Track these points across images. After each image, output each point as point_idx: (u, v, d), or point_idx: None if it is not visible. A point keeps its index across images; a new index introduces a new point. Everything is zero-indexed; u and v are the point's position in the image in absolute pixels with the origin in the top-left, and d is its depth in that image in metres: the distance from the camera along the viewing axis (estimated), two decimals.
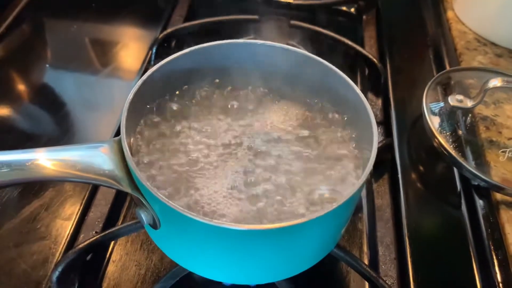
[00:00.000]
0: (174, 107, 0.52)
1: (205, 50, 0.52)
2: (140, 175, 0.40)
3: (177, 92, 0.53)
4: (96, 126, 0.73)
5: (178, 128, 0.50)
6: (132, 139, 0.48)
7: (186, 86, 0.53)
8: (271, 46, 0.53)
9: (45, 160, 0.40)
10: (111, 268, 0.55)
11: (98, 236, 0.53)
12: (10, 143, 0.67)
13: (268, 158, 0.48)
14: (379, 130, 0.70)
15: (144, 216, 0.42)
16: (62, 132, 0.71)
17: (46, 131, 0.71)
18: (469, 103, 0.64)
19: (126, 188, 0.41)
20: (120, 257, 0.56)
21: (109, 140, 0.44)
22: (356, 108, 0.48)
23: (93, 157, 0.42)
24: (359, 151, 0.49)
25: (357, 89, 0.47)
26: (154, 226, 0.43)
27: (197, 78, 0.54)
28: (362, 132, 0.48)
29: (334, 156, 0.49)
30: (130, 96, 0.46)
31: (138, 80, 0.47)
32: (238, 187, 0.46)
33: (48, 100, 0.75)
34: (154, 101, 0.51)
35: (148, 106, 0.51)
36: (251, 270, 0.44)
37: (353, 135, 0.51)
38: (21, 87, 0.78)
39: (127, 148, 0.41)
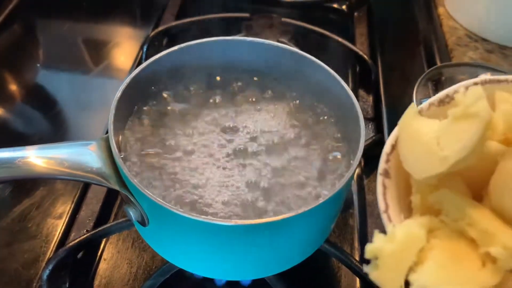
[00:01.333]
0: (163, 105, 0.52)
1: (194, 47, 0.52)
2: (127, 173, 0.40)
3: (166, 90, 0.53)
4: (87, 125, 0.73)
5: (166, 125, 0.50)
6: (120, 137, 0.48)
7: (175, 84, 0.53)
8: (260, 43, 0.53)
9: (35, 157, 0.41)
10: (102, 266, 0.55)
11: (88, 234, 0.53)
12: (1, 143, 0.67)
13: (259, 154, 0.48)
14: (370, 126, 0.70)
15: (132, 213, 0.43)
16: (54, 131, 0.71)
17: (37, 130, 0.71)
18: None
19: (114, 185, 0.41)
20: (111, 255, 0.56)
21: (97, 138, 0.44)
22: (345, 104, 0.48)
23: (82, 155, 0.42)
24: (350, 148, 0.49)
25: (344, 84, 0.47)
26: (143, 223, 0.43)
27: (187, 76, 0.54)
28: (352, 128, 0.48)
29: (325, 154, 0.49)
30: (118, 94, 0.46)
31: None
32: (229, 182, 0.46)
33: (40, 100, 0.75)
34: (143, 99, 0.51)
35: (136, 104, 0.51)
36: (240, 266, 0.45)
37: (344, 133, 0.51)
38: (13, 87, 0.78)
39: (115, 146, 0.41)
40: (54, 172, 0.40)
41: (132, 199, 0.42)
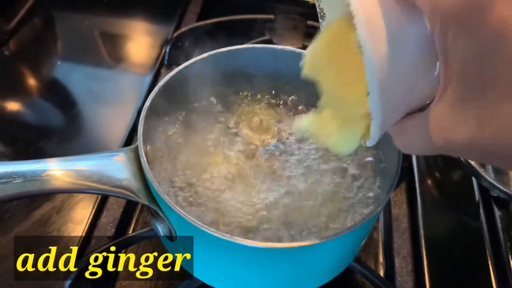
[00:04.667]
0: (192, 114, 0.50)
1: (223, 54, 0.51)
2: (157, 188, 0.39)
3: (195, 99, 0.52)
4: (108, 123, 0.72)
5: (195, 136, 0.49)
6: (148, 147, 0.46)
7: (205, 93, 0.52)
8: (289, 52, 0.52)
9: (58, 170, 0.39)
10: (123, 274, 0.54)
11: (110, 243, 0.52)
12: (24, 140, 0.67)
13: (291, 168, 0.47)
14: None
15: (160, 228, 0.42)
16: (74, 128, 0.70)
17: (58, 127, 0.70)
18: None
19: (143, 200, 0.40)
20: (132, 263, 0.55)
21: (124, 149, 0.43)
22: None
23: (108, 166, 0.41)
24: (380, 161, 0.48)
25: None
26: (170, 238, 0.42)
27: (218, 84, 0.53)
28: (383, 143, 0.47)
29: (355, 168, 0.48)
30: (148, 103, 0.45)
31: (151, 80, 0.46)
32: (261, 198, 0.45)
33: (60, 95, 0.75)
34: (171, 107, 0.50)
35: (165, 113, 0.50)
36: (268, 285, 0.44)
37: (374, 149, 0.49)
38: (33, 82, 0.78)
39: (144, 158, 0.40)
40: (79, 186, 0.39)
41: (161, 214, 0.40)
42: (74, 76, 0.78)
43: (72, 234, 0.56)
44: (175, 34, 0.77)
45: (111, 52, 0.82)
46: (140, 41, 0.84)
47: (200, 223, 0.37)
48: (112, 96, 0.76)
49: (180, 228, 0.40)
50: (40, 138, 0.68)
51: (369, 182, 0.47)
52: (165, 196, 0.38)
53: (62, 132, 0.70)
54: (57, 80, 0.78)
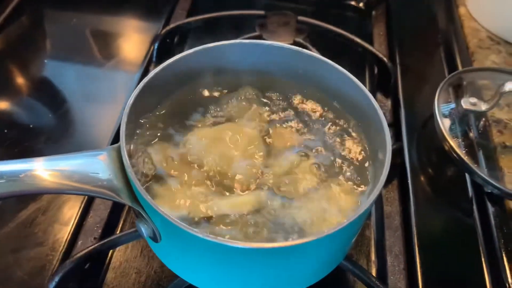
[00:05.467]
0: (177, 111, 0.49)
1: (209, 50, 0.50)
2: (140, 187, 0.38)
3: (180, 95, 0.51)
4: (97, 121, 0.71)
5: (182, 133, 0.48)
6: (132, 146, 0.45)
7: (189, 88, 0.51)
8: (278, 47, 0.51)
9: (43, 170, 0.38)
10: (110, 275, 0.53)
11: (96, 244, 0.51)
12: (11, 139, 0.66)
13: (279, 164, 0.46)
14: None
15: (144, 229, 0.41)
16: (63, 127, 0.69)
17: (46, 126, 0.69)
18: (483, 107, 0.62)
19: (126, 200, 0.39)
20: (119, 264, 0.54)
21: (107, 148, 0.41)
22: (367, 114, 0.46)
23: (91, 165, 0.40)
24: (370, 156, 0.47)
25: (371, 97, 0.45)
26: (155, 239, 0.41)
27: (202, 79, 0.52)
28: (373, 137, 0.46)
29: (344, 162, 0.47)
30: (131, 100, 0.43)
31: (139, 77, 0.45)
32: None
33: (48, 94, 0.73)
34: (156, 104, 0.49)
35: (149, 110, 0.49)
36: (257, 286, 0.43)
37: (364, 141, 0.49)
38: (21, 80, 0.76)
39: (127, 157, 0.39)
40: (62, 186, 0.38)
41: (144, 215, 0.39)
42: (63, 74, 0.76)
43: (58, 236, 0.55)
44: (164, 31, 0.76)
45: (100, 50, 0.81)
46: (130, 39, 0.83)
47: (184, 224, 0.36)
48: (101, 94, 0.75)
49: (163, 229, 0.39)
50: (28, 137, 0.66)
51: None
52: (148, 196, 0.37)
53: (50, 131, 0.68)
54: (45, 79, 0.76)
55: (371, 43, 0.78)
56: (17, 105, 0.72)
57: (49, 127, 0.69)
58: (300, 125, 0.50)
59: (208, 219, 0.42)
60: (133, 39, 0.83)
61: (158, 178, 0.44)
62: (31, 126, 0.68)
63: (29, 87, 0.75)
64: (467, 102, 0.62)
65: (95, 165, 0.40)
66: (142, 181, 0.43)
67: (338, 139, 0.49)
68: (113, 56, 0.79)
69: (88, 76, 0.77)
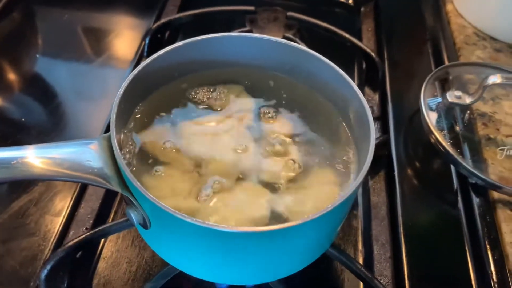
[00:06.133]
0: (167, 102, 0.50)
1: (198, 43, 0.51)
2: (129, 174, 0.38)
3: (169, 87, 0.51)
4: (88, 116, 0.71)
5: (171, 124, 0.49)
6: (122, 136, 0.46)
7: (179, 81, 0.52)
8: (267, 40, 0.51)
9: (34, 158, 0.39)
10: (101, 265, 0.54)
11: (88, 233, 0.51)
12: (2, 133, 0.67)
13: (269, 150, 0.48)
14: (376, 126, 0.69)
15: (134, 216, 0.41)
16: (54, 122, 0.70)
17: (37, 121, 0.70)
18: (467, 100, 0.63)
19: (116, 187, 0.40)
20: (111, 254, 0.55)
21: (98, 137, 0.42)
22: (354, 106, 0.47)
23: (82, 154, 0.41)
24: (356, 148, 0.48)
25: (357, 89, 0.46)
26: (145, 226, 0.42)
27: (191, 72, 0.53)
28: (359, 129, 0.47)
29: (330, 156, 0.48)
30: (121, 91, 0.44)
31: (131, 72, 0.45)
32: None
33: (40, 90, 0.74)
34: (146, 95, 0.50)
35: (139, 102, 0.49)
36: (244, 271, 0.44)
37: (350, 133, 0.50)
38: (12, 76, 0.77)
39: (117, 146, 0.40)
40: (53, 173, 0.39)
41: (134, 202, 0.40)
42: (54, 70, 0.77)
43: (50, 226, 0.55)
44: (154, 26, 0.76)
45: (91, 46, 0.81)
46: (121, 35, 0.84)
47: (173, 209, 0.37)
48: (93, 90, 0.75)
49: (153, 216, 0.40)
50: (19, 132, 0.67)
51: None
52: (137, 183, 0.38)
53: (42, 125, 0.69)
54: (36, 74, 0.77)
55: (359, 38, 0.79)
56: (9, 100, 0.72)
57: (41, 122, 0.70)
58: (288, 117, 0.51)
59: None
60: (124, 35, 0.84)
61: (148, 167, 0.45)
62: (22, 119, 0.69)
63: (20, 82, 0.75)
64: (452, 96, 0.63)
65: (86, 154, 0.41)
66: (132, 170, 0.44)
67: (324, 131, 0.50)
68: (105, 52, 0.80)
69: (80, 72, 0.77)
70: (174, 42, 0.78)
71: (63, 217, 0.56)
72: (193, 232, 0.38)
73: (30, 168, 0.38)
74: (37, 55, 0.79)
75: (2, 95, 0.73)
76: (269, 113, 0.52)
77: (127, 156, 0.45)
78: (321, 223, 0.39)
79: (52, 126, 0.69)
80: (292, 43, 0.51)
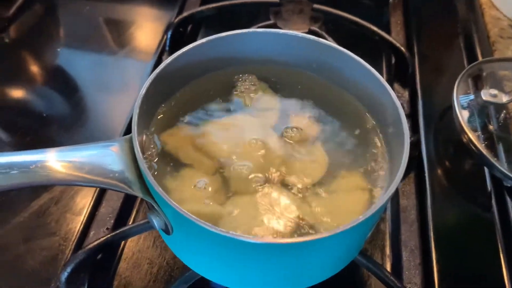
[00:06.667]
0: (190, 101, 0.49)
1: (223, 40, 0.49)
2: (151, 179, 0.37)
3: (192, 86, 0.50)
4: (109, 110, 0.71)
5: (196, 124, 0.47)
6: (144, 137, 0.45)
7: (201, 79, 0.50)
8: (293, 36, 0.49)
9: (54, 161, 0.38)
10: (122, 266, 0.53)
11: (108, 235, 0.50)
12: (23, 128, 0.66)
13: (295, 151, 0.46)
14: None
15: (156, 222, 0.40)
16: (75, 116, 0.69)
17: (58, 115, 0.69)
18: (504, 98, 0.60)
19: (137, 192, 0.39)
20: (132, 255, 0.54)
21: (119, 139, 0.41)
22: (384, 104, 0.45)
23: (103, 157, 0.40)
24: (387, 152, 0.46)
25: (391, 91, 0.44)
26: (167, 231, 0.41)
27: (214, 69, 0.51)
28: (391, 132, 0.45)
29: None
30: (143, 91, 0.43)
31: (152, 66, 0.44)
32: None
33: (62, 82, 0.73)
34: (168, 95, 0.48)
35: (162, 101, 0.48)
36: (267, 280, 0.42)
37: (380, 134, 0.47)
38: (33, 69, 0.76)
39: (139, 149, 0.39)
40: (73, 178, 0.38)
41: (156, 207, 0.39)
42: (75, 63, 0.76)
43: (71, 226, 0.55)
44: (177, 20, 0.75)
45: (113, 38, 0.80)
46: (143, 27, 0.82)
47: (195, 217, 0.35)
48: (114, 83, 0.74)
49: (175, 222, 0.39)
50: (41, 126, 0.66)
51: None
52: (159, 188, 0.36)
53: (63, 119, 0.68)
54: (58, 67, 0.76)
55: (388, 32, 0.76)
56: (30, 94, 0.72)
57: (62, 116, 0.69)
58: (315, 116, 0.50)
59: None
60: (146, 27, 0.83)
61: (171, 170, 0.44)
62: (44, 114, 0.68)
63: (42, 76, 0.75)
64: (487, 94, 0.60)
65: (107, 157, 0.40)
66: (154, 173, 0.43)
67: (353, 132, 0.48)
68: (126, 45, 0.79)
69: (101, 65, 0.76)
70: (196, 36, 0.78)
71: (84, 216, 0.55)
72: (217, 240, 0.36)
73: (49, 172, 0.37)
74: (59, 48, 0.78)
75: (24, 89, 0.72)
76: (297, 112, 0.50)
77: (149, 158, 0.44)
78: (351, 234, 0.37)
79: (73, 120, 0.68)
80: (320, 39, 0.49)
